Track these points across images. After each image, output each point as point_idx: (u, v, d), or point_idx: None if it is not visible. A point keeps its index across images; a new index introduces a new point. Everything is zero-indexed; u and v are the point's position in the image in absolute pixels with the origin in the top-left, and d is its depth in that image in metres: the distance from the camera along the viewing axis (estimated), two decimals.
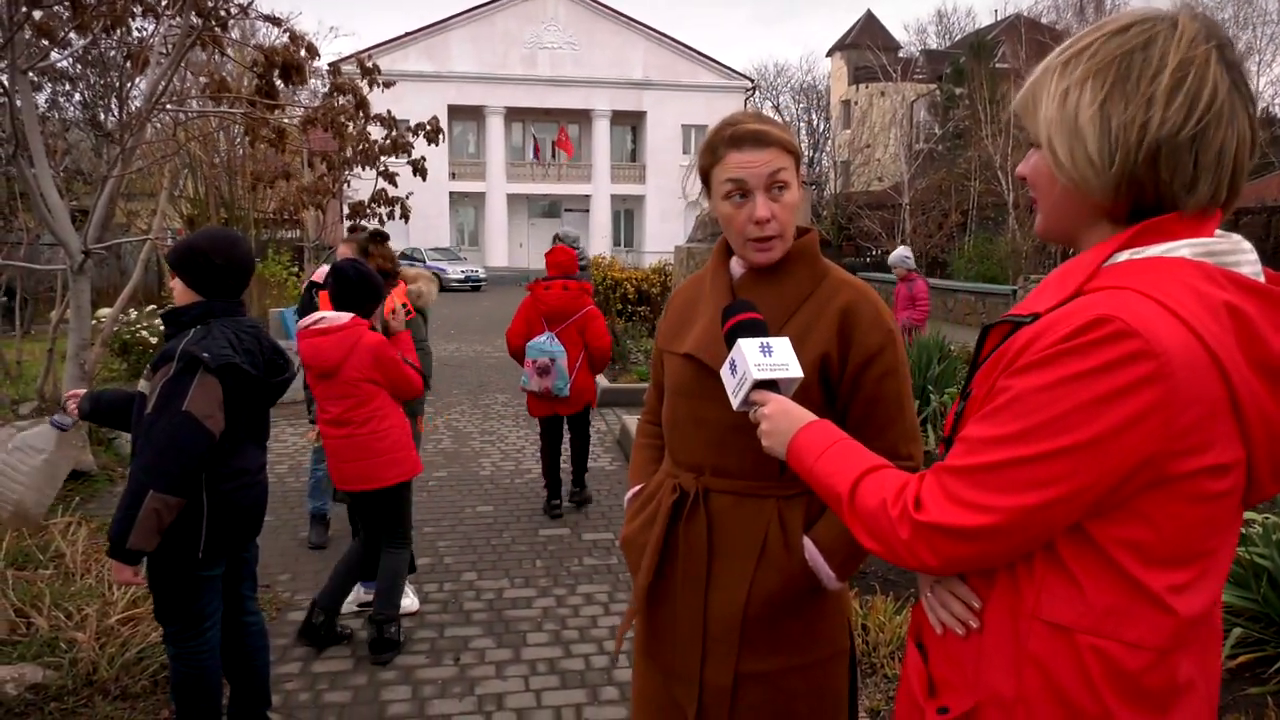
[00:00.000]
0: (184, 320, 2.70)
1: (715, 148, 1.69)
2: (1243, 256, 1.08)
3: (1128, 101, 1.05)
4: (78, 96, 14.77)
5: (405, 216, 10.68)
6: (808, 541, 1.67)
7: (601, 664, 3.72)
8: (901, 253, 9.63)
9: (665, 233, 34.83)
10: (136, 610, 3.68)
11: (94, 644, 3.42)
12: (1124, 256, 1.09)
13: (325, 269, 4.97)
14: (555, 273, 5.51)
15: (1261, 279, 1.08)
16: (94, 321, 6.99)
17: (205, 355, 2.56)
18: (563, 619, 4.16)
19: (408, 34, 35.54)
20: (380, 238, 4.52)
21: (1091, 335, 1.00)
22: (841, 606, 1.78)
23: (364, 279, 3.66)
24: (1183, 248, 1.06)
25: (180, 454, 2.54)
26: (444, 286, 27.31)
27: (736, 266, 1.79)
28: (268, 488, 2.93)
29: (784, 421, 1.36)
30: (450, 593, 4.44)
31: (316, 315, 3.67)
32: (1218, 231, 1.10)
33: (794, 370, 1.44)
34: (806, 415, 1.36)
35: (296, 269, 15.24)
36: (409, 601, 4.11)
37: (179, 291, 2.74)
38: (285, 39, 7.02)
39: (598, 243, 33.65)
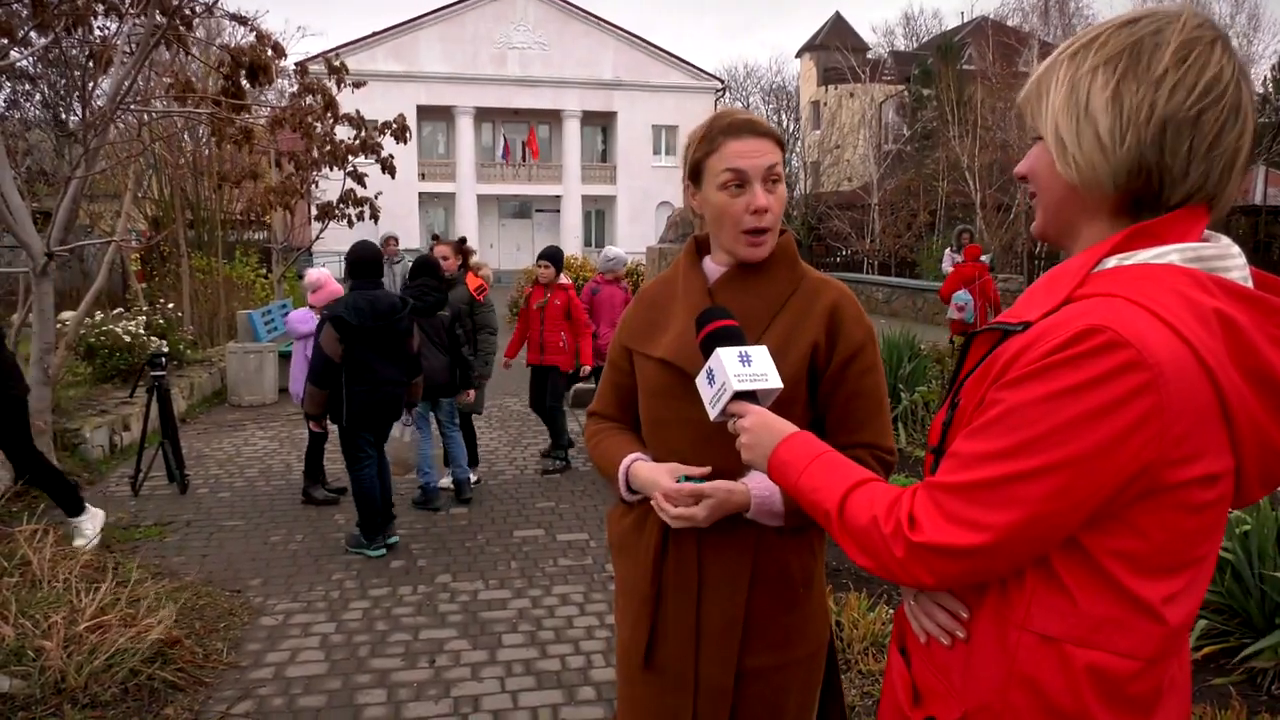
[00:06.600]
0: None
1: (712, 138, 1.66)
2: (1231, 261, 1.07)
3: (1139, 84, 1.05)
4: (39, 96, 14.54)
5: (374, 217, 10.61)
6: (759, 476, 1.59)
7: (578, 664, 3.72)
8: (614, 252, 7.57)
9: (636, 233, 34.72)
10: (104, 617, 3.62)
11: (61, 652, 3.36)
12: (1113, 262, 1.08)
13: (317, 272, 6.15)
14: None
15: (1249, 282, 1.07)
16: (57, 325, 6.87)
17: (325, 313, 4.90)
18: (538, 620, 4.16)
19: (376, 34, 35.13)
20: (464, 241, 6.81)
21: (1083, 346, 0.98)
22: (824, 602, 1.79)
23: (560, 253, 6.74)
24: (1171, 253, 1.05)
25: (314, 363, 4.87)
26: None
27: (712, 267, 1.75)
28: (398, 393, 5.01)
29: (765, 434, 1.34)
30: (425, 595, 4.42)
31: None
32: (1206, 233, 1.09)
33: (773, 380, 1.42)
34: (787, 427, 1.34)
35: (264, 271, 15.05)
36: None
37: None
38: (252, 38, 6.95)
39: (569, 243, 33.49)
